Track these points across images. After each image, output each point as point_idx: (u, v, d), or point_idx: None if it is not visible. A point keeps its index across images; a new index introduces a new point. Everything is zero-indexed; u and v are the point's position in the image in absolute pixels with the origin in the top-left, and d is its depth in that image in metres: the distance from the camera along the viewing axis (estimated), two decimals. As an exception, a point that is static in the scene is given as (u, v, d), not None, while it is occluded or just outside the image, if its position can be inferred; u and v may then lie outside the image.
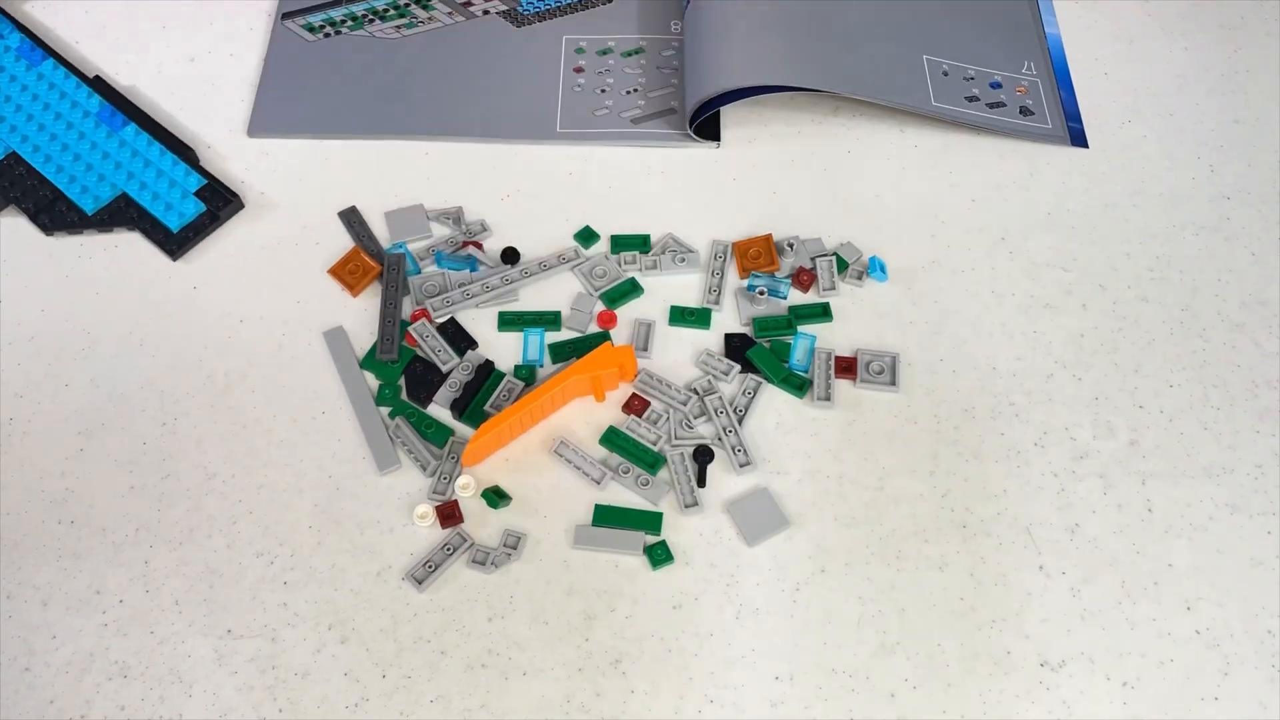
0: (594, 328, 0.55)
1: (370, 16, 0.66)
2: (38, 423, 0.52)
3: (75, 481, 0.50)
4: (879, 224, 0.59)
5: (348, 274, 0.56)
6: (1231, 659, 0.47)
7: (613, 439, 0.52)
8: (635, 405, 0.52)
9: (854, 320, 0.55)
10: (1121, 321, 0.56)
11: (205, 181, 0.59)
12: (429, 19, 0.66)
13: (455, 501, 0.50)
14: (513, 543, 0.49)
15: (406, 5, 0.67)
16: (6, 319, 0.55)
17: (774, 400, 0.53)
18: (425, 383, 0.52)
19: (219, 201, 0.58)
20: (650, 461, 0.51)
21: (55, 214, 0.57)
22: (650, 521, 0.49)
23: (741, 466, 0.51)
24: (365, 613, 0.47)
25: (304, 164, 0.60)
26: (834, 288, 0.56)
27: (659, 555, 0.48)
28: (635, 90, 0.63)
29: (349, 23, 0.66)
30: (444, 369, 0.53)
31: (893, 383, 0.53)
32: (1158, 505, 0.51)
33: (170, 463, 0.51)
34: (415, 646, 0.46)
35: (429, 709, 0.45)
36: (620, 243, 0.58)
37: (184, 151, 0.60)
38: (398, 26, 0.66)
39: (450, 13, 0.66)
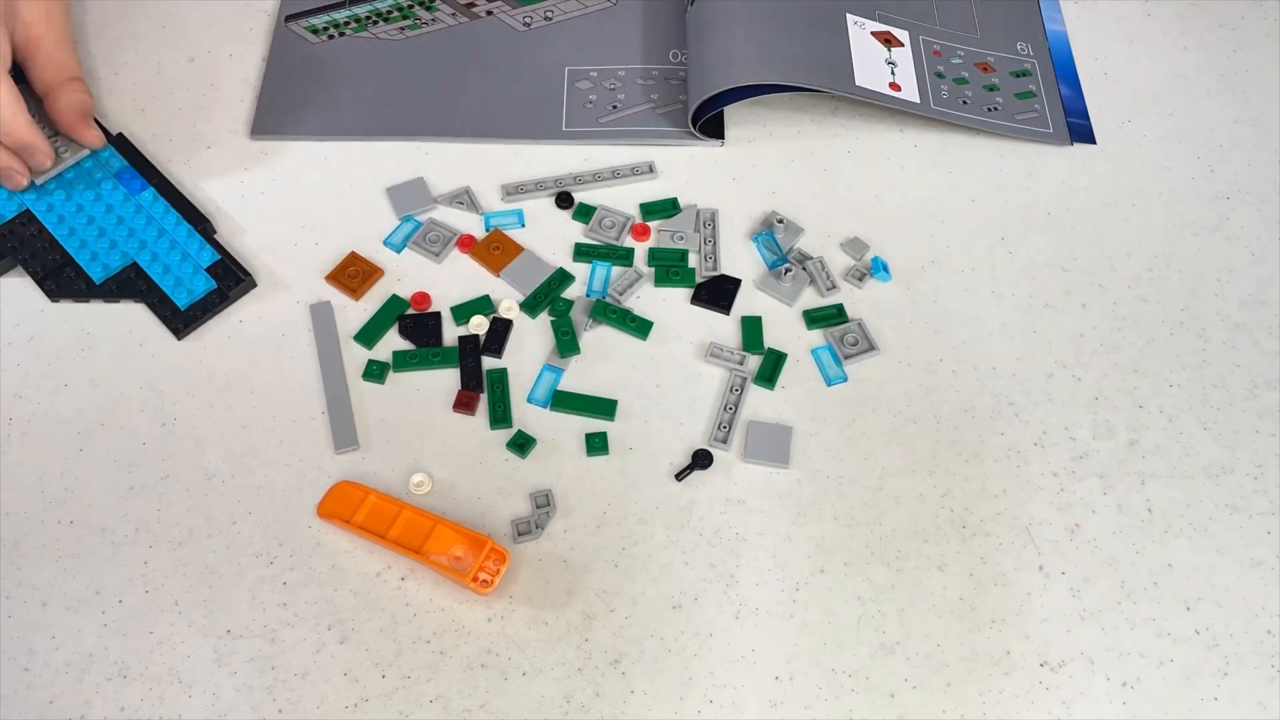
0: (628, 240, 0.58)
1: (374, 18, 0.66)
2: (38, 423, 0.52)
3: (75, 481, 0.50)
4: (879, 224, 0.59)
5: (347, 278, 0.56)
6: (1231, 659, 0.47)
7: (563, 401, 0.53)
8: None
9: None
10: (1121, 321, 0.56)
11: (219, 257, 0.56)
12: (432, 20, 0.66)
13: (474, 393, 0.53)
14: (543, 500, 0.50)
15: (410, 7, 0.67)
16: (6, 320, 0.55)
17: (771, 399, 0.53)
18: (424, 329, 0.54)
19: (230, 280, 0.55)
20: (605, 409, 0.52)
21: (63, 280, 0.55)
22: (605, 408, 0.52)
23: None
24: (365, 613, 0.47)
25: (304, 164, 0.60)
26: (835, 286, 0.56)
27: (595, 444, 0.51)
28: (639, 89, 0.63)
29: (353, 25, 0.66)
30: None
31: (872, 347, 0.54)
32: (1157, 505, 0.51)
33: (170, 463, 0.51)
34: (415, 647, 0.46)
35: (428, 709, 0.45)
36: (650, 210, 0.59)
37: (199, 221, 0.57)
38: (401, 28, 0.66)
39: (453, 14, 0.66)
